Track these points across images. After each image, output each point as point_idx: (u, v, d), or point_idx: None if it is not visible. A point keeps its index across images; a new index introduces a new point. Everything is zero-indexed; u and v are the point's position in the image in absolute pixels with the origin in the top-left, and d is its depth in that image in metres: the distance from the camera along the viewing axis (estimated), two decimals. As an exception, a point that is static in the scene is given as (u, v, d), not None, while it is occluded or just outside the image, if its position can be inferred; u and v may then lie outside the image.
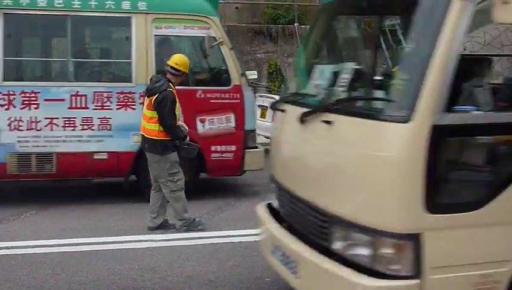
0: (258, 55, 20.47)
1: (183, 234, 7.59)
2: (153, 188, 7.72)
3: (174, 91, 7.43)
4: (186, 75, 7.89)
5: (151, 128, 7.43)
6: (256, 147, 9.86)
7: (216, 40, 9.35)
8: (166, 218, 7.83)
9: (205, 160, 9.34)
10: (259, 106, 14.29)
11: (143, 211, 8.09)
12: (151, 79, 7.80)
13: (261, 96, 14.31)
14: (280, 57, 20.59)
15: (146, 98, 7.57)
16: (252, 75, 18.77)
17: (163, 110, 7.30)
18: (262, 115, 13.98)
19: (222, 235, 7.57)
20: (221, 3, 20.78)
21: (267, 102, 13.84)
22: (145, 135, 7.52)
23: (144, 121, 7.56)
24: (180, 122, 7.65)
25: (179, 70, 7.57)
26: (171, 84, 7.45)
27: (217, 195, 9.77)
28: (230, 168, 9.63)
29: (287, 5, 21.23)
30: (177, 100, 7.43)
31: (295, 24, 20.72)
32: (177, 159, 7.51)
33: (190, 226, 7.67)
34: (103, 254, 6.80)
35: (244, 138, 9.62)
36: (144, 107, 7.64)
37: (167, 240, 7.33)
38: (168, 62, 7.64)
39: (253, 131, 9.85)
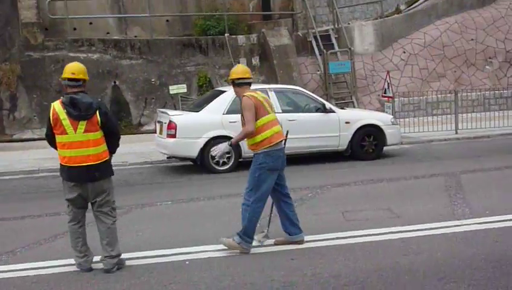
0: (188, 68, 19.94)
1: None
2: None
3: None
4: None
5: None
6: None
7: None
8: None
9: None
10: (158, 121, 13.77)
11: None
12: None
13: (162, 112, 13.75)
14: (211, 69, 20.06)
15: None
16: (181, 89, 18.32)
17: None
18: (160, 131, 13.42)
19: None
20: (150, 16, 20.41)
21: (163, 118, 13.31)
22: None
23: None
24: None
25: None
26: None
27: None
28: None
29: (217, 16, 20.72)
30: None
31: (225, 35, 20.23)
32: None
33: (119, 263, 6.80)
34: None
35: None
36: None
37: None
38: None
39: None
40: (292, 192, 10.35)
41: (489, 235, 7.44)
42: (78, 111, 6.50)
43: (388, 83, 16.54)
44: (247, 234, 7.07)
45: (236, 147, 12.96)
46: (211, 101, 13.36)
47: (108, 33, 20.59)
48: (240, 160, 13.16)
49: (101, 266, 6.73)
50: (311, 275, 6.28)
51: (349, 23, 22.05)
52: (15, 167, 14.31)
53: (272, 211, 7.57)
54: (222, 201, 10.22)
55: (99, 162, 6.57)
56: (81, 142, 6.50)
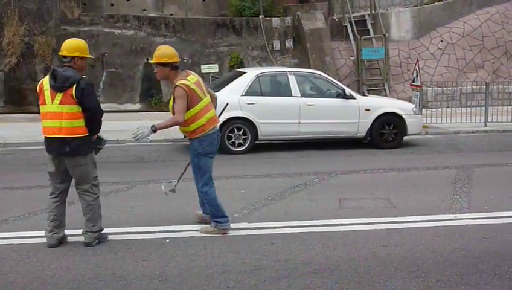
0: (221, 48, 20.00)
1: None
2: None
3: None
4: None
5: None
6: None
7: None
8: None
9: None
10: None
11: None
12: None
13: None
14: (244, 50, 20.07)
15: None
16: (213, 68, 18.40)
17: None
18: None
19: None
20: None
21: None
22: None
23: None
24: None
25: None
26: None
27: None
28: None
29: (253, -4, 20.66)
30: None
31: (260, 16, 20.19)
32: None
33: (101, 237, 6.96)
34: None
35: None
36: None
37: None
38: None
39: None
40: (299, 177, 10.42)
41: (479, 231, 7.27)
42: (55, 82, 6.60)
43: (417, 72, 16.25)
44: (216, 216, 7.12)
45: (253, 129, 13.00)
46: (231, 81, 13.37)
47: (144, 10, 20.77)
48: (257, 142, 13.15)
49: (82, 239, 6.84)
50: (283, 261, 6.27)
51: (387, 9, 21.71)
52: (39, 138, 14.52)
53: (185, 169, 7.85)
54: (226, 182, 10.23)
55: (73, 136, 6.59)
56: (55, 113, 6.57)
